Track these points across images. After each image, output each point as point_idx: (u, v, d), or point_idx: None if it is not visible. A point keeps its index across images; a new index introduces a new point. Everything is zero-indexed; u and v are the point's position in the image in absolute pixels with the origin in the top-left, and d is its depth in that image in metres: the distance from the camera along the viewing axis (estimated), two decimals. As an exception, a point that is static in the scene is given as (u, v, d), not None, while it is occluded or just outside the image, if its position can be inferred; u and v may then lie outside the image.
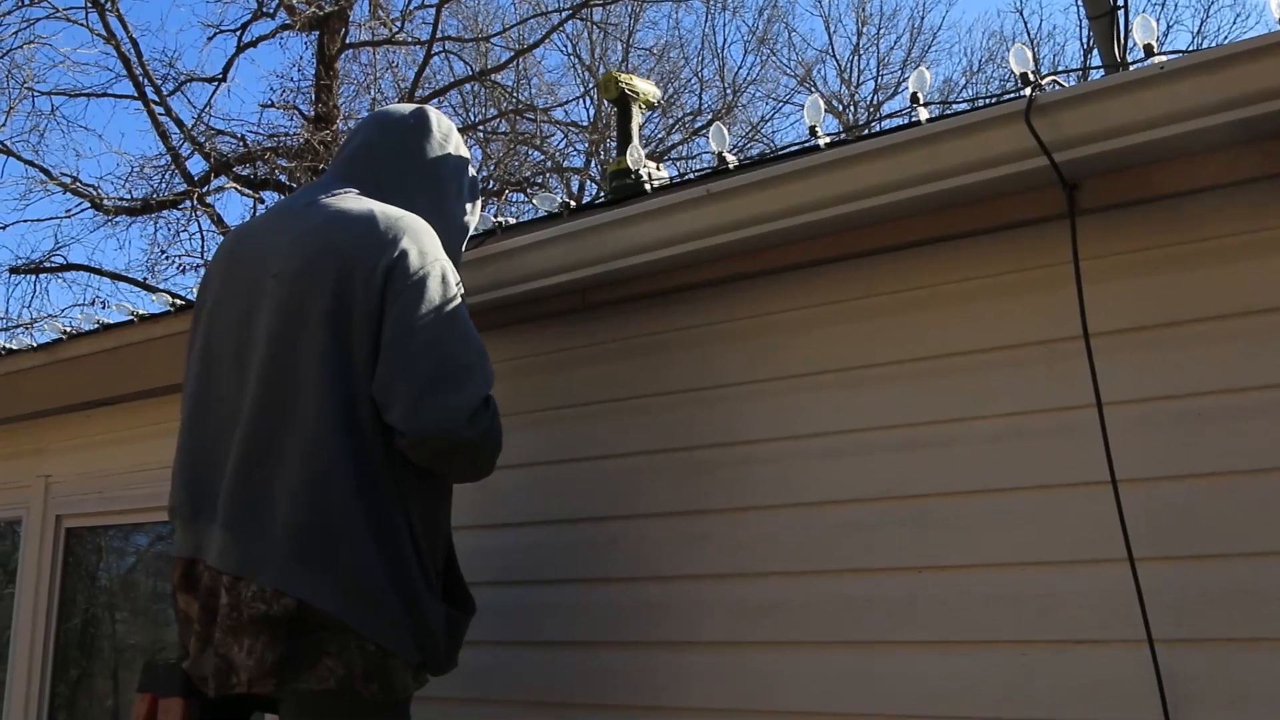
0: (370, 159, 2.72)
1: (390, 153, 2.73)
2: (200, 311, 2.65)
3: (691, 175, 3.36)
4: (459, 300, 2.47)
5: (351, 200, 2.56)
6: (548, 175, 19.42)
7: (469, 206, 2.84)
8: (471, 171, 2.89)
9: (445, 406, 2.34)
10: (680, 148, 19.92)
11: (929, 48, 22.04)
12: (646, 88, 3.59)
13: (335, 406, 2.35)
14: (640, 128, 3.54)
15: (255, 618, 2.28)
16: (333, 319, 2.38)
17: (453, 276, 2.49)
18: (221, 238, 16.75)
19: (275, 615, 2.27)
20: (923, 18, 23.17)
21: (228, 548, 2.36)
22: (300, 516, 2.31)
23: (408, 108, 2.84)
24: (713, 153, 3.12)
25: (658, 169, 3.27)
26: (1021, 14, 29.18)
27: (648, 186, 3.16)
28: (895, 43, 22.06)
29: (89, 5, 16.43)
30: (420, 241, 2.46)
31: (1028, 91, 2.32)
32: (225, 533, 2.38)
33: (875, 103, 21.42)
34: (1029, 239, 2.48)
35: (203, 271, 2.62)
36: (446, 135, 2.82)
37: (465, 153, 2.87)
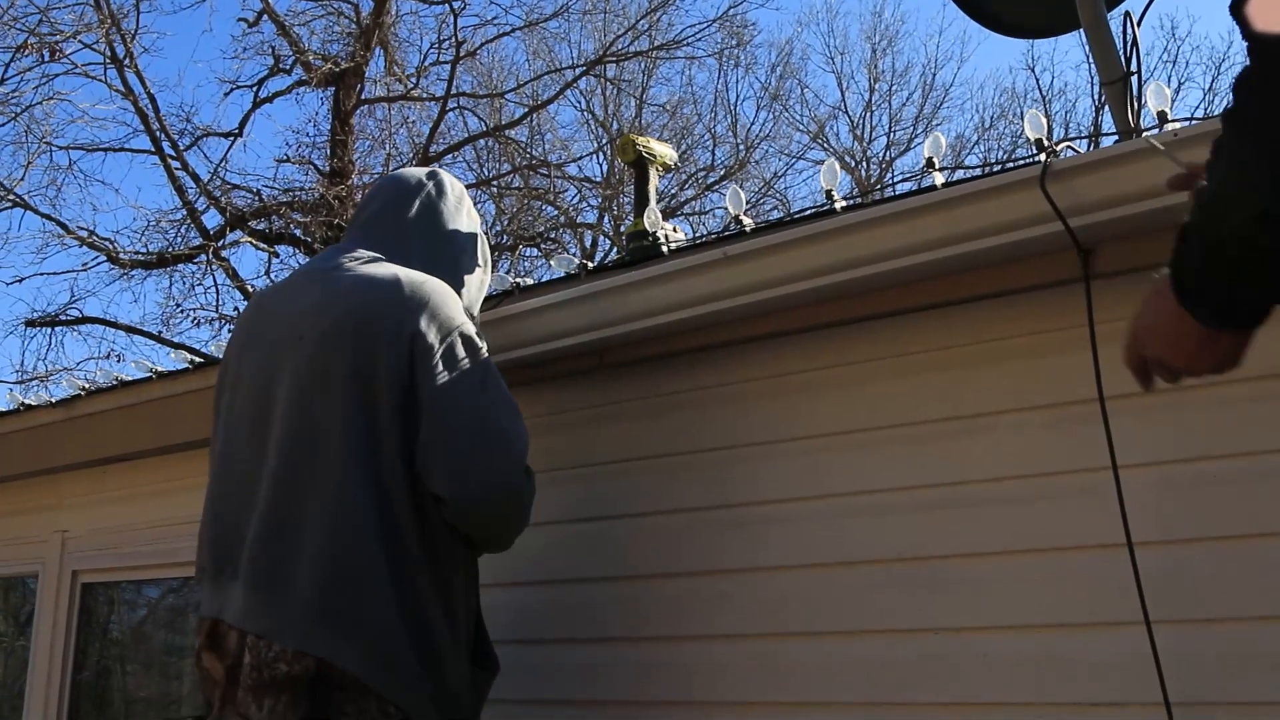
0: (391, 222, 2.75)
1: (410, 216, 2.76)
2: (225, 373, 2.68)
3: (708, 237, 3.39)
4: (489, 362, 2.51)
5: (375, 265, 2.59)
6: (561, 231, 19.54)
7: (482, 267, 2.87)
8: (482, 233, 2.92)
9: (497, 471, 2.42)
10: (693, 203, 20.04)
11: (941, 104, 22.19)
12: (663, 150, 3.62)
13: (360, 469, 2.36)
14: (657, 189, 3.57)
15: (277, 678, 2.29)
16: (356, 383, 2.40)
17: (479, 340, 2.53)
18: (236, 292, 16.87)
19: (296, 675, 2.28)
20: (934, 74, 23.30)
21: (251, 608, 2.37)
22: (324, 577, 2.33)
23: (422, 171, 2.87)
24: (729, 214, 3.15)
25: (674, 231, 3.30)
26: (1033, 71, 29.34)
27: (665, 249, 3.19)
28: (907, 99, 22.14)
29: (108, 62, 16.63)
30: (446, 306, 2.49)
31: (1043, 157, 2.34)
32: (249, 593, 2.39)
33: (888, 159, 21.57)
34: (1045, 302, 2.49)
35: (228, 331, 2.67)
36: (460, 198, 2.86)
37: (476, 215, 2.91)
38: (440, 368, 2.41)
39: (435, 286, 2.53)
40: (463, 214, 2.84)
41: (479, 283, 2.84)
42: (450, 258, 2.76)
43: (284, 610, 2.34)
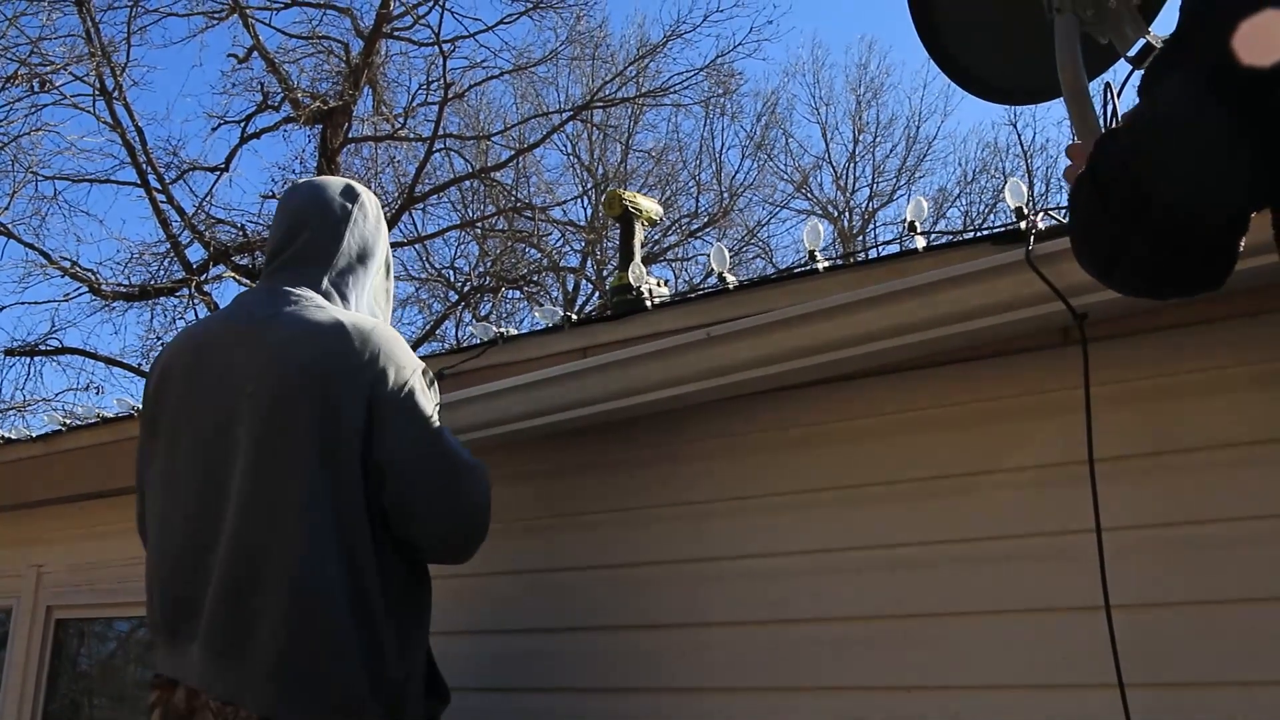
0: (315, 249, 2.65)
1: (334, 242, 2.67)
2: (157, 423, 2.58)
3: (690, 293, 3.41)
4: (437, 399, 2.58)
5: (315, 310, 2.50)
6: (544, 274, 19.56)
7: (391, 282, 2.85)
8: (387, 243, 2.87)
9: (471, 505, 2.53)
10: (677, 249, 20.10)
11: (924, 157, 22.32)
12: (649, 205, 3.65)
13: (324, 529, 2.31)
14: (642, 243, 3.60)
15: None
16: (317, 440, 2.34)
17: (427, 378, 2.56)
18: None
19: None
20: (918, 127, 23.33)
21: (216, 673, 2.32)
22: (287, 640, 2.27)
23: (339, 186, 2.75)
24: (710, 266, 3.18)
25: (659, 284, 3.33)
26: (1015, 126, 29.47)
27: (649, 304, 3.20)
28: (891, 151, 22.29)
29: (97, 94, 16.61)
30: (397, 354, 2.47)
31: (1024, 225, 2.36)
32: (210, 656, 2.33)
33: (870, 209, 21.69)
34: (1031, 364, 2.52)
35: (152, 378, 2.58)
36: (379, 217, 2.79)
37: (385, 227, 2.84)
38: (398, 416, 2.41)
39: (383, 332, 2.51)
40: (382, 234, 2.78)
41: (389, 296, 2.83)
42: (371, 282, 2.71)
43: (246, 674, 2.28)
